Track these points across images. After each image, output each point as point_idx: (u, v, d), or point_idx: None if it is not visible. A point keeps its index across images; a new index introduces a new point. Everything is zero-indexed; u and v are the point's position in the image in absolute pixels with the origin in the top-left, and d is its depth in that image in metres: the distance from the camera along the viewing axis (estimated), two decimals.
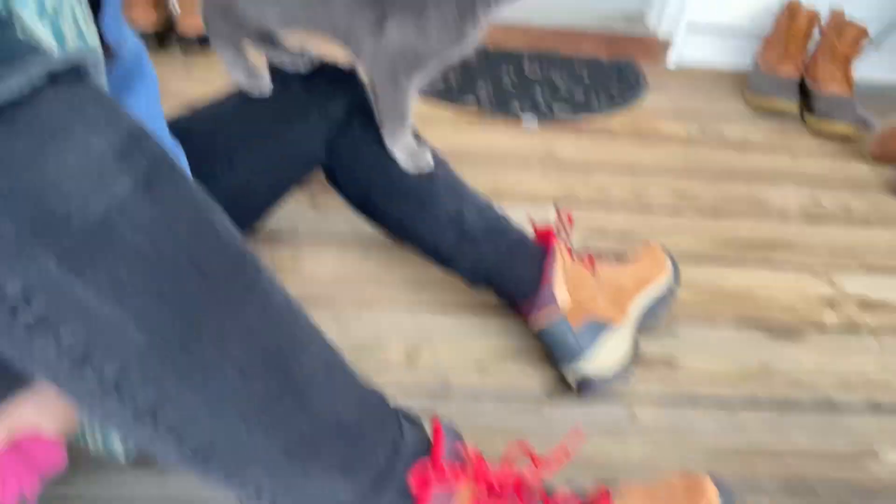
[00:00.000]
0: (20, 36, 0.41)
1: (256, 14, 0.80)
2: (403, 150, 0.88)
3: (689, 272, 1.08)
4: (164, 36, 1.58)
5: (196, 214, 0.43)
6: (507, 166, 1.37)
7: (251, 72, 0.86)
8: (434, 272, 0.99)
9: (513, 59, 1.82)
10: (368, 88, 0.88)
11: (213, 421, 0.44)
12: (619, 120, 1.61)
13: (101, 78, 0.47)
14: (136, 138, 0.40)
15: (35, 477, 0.53)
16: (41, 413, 0.53)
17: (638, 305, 0.92)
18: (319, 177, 0.96)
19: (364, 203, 0.94)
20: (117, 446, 0.62)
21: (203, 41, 1.56)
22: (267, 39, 0.90)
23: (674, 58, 1.94)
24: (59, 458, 0.54)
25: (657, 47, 1.93)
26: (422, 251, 0.95)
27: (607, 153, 1.47)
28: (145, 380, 0.42)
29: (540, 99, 1.63)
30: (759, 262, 1.18)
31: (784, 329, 1.04)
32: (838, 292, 1.14)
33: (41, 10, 0.53)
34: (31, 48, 0.38)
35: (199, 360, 0.43)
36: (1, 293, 0.38)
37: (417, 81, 0.83)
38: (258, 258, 0.47)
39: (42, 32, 0.49)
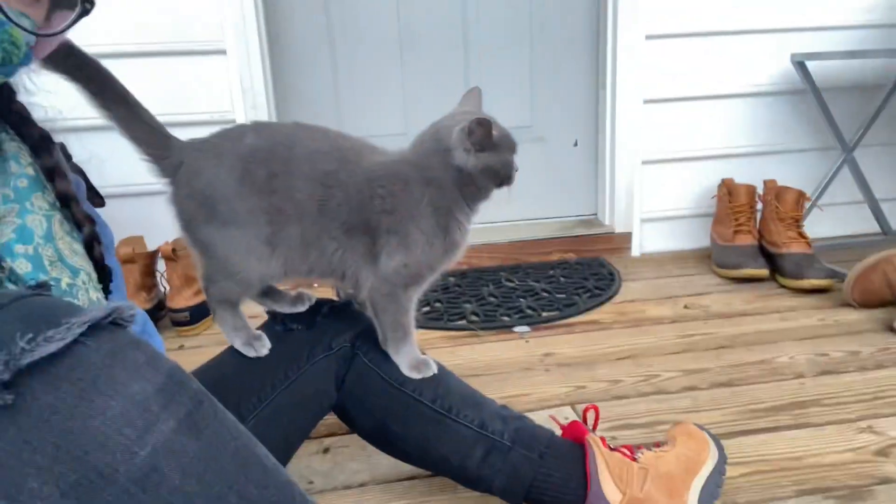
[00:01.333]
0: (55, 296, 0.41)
1: (258, 272, 0.82)
2: (407, 361, 0.87)
3: (730, 448, 1.01)
4: (155, 314, 1.62)
5: (241, 448, 0.40)
6: (511, 376, 1.34)
7: (251, 336, 0.86)
8: (466, 501, 0.91)
9: (490, 275, 1.90)
10: (369, 310, 0.88)
11: None
12: (605, 312, 1.65)
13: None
14: (177, 378, 0.39)
15: None
16: None
17: (695, 492, 0.84)
18: (327, 422, 0.92)
19: (380, 433, 0.89)
20: None
21: (193, 317, 1.59)
22: (266, 293, 0.92)
23: (637, 247, 2.06)
24: None
25: (619, 240, 2.06)
26: (449, 474, 0.88)
27: (604, 345, 1.46)
28: None
29: (525, 307, 1.66)
30: (793, 425, 1.13)
31: (849, 490, 0.96)
32: (885, 438, 1.07)
33: (59, 294, 0.55)
34: (69, 304, 0.39)
35: None
36: None
37: (415, 294, 0.85)
38: (301, 490, 0.43)
39: None
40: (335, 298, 0.94)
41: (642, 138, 1.98)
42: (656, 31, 1.91)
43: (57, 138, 1.55)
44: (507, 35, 2.01)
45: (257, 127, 0.82)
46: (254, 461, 0.41)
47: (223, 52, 1.73)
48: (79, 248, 0.62)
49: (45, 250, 0.57)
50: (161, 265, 1.69)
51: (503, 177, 0.83)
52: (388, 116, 2.00)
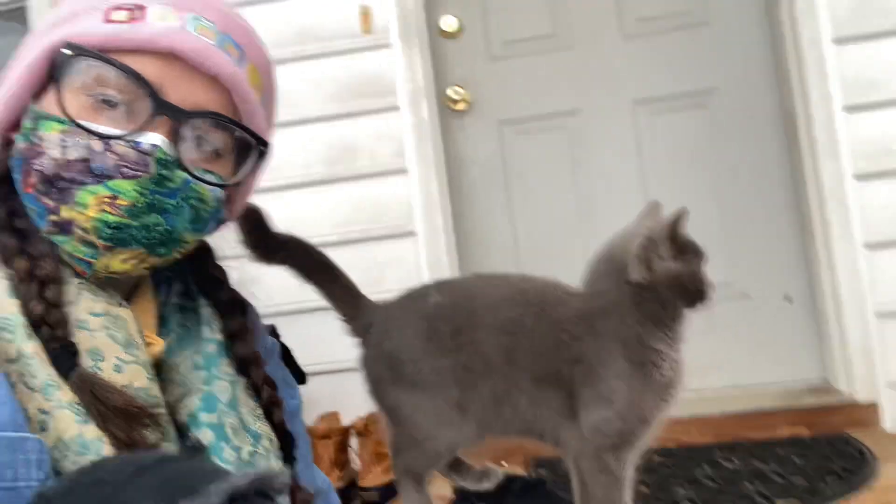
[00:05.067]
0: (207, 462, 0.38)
1: (447, 440, 0.76)
2: None
3: None
4: (347, 493, 1.60)
5: None
6: None
7: None
8: None
9: (703, 454, 1.64)
10: (574, 480, 0.77)
11: None
12: (863, 501, 1.32)
13: None
14: None
15: None
16: None
17: None
18: None
19: None
20: None
21: (382, 497, 1.55)
22: (452, 466, 0.85)
23: (890, 419, 1.69)
24: None
25: (862, 411, 1.71)
26: None
27: None
28: None
29: (754, 492, 1.39)
30: None
31: None
32: None
33: (238, 464, 0.53)
34: (213, 472, 0.35)
35: None
36: None
37: (630, 456, 0.72)
38: None
39: None
40: (526, 475, 0.84)
41: (871, 286, 1.71)
42: (865, 169, 1.72)
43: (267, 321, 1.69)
44: (690, 184, 1.93)
45: (439, 284, 0.82)
46: None
47: (413, 234, 1.86)
48: (261, 412, 0.61)
49: (228, 417, 0.57)
50: (354, 442, 1.70)
51: (692, 290, 0.72)
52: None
